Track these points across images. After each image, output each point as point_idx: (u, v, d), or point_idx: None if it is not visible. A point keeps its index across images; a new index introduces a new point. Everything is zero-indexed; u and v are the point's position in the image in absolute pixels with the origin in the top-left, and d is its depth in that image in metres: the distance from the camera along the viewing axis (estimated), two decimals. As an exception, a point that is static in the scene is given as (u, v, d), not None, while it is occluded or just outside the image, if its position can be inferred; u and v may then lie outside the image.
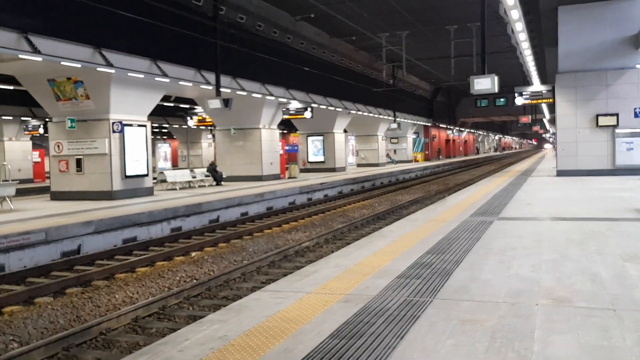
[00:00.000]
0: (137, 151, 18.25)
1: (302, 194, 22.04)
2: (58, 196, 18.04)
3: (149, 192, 18.94)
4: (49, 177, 20.88)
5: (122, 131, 17.48)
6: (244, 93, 22.43)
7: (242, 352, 3.99)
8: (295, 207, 19.70)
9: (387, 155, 49.26)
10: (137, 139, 18.26)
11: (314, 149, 35.28)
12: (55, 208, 15.26)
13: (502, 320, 4.47)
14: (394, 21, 28.27)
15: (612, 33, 20.94)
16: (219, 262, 11.01)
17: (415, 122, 50.32)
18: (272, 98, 24.93)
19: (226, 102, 20.47)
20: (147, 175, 18.78)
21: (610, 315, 4.50)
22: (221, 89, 20.34)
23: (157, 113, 25.64)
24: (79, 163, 17.71)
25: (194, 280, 9.48)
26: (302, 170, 33.63)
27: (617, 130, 20.80)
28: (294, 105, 27.35)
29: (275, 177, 27.04)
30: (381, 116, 39.98)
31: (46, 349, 6.09)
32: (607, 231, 8.58)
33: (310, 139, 35.18)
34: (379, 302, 5.10)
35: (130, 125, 17.96)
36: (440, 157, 59.70)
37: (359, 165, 43.36)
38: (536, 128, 63.11)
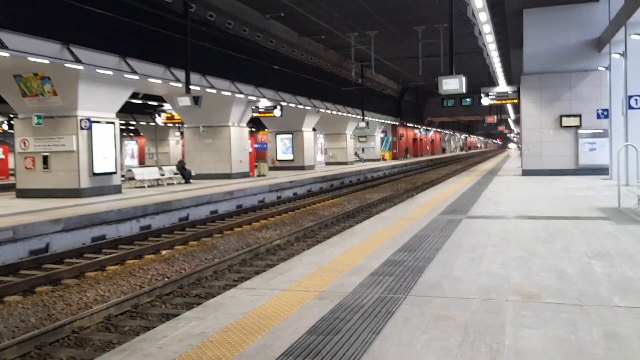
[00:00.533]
0: (105, 148, 18.00)
1: (271, 192, 22.05)
2: (24, 194, 17.67)
3: (117, 189, 18.71)
4: (13, 175, 20.43)
5: (90, 128, 17.23)
6: (214, 91, 22.32)
7: (221, 348, 4.02)
8: (265, 205, 19.71)
9: (356, 153, 49.59)
10: (105, 136, 18.01)
11: (283, 147, 35.29)
12: (21, 206, 14.96)
13: (474, 316, 4.60)
14: (363, 21, 28.48)
15: (576, 36, 21.51)
16: (190, 261, 10.97)
17: (383, 121, 50.75)
18: (242, 96, 24.87)
19: (196, 100, 20.35)
20: (115, 172, 18.54)
21: (578, 311, 4.68)
22: (191, 87, 20.21)
23: (125, 110, 25.25)
24: (45, 160, 17.39)
25: (166, 279, 9.44)
26: (271, 169, 33.61)
27: (580, 131, 21.39)
28: (264, 103, 27.32)
29: (245, 175, 26.98)
30: (350, 115, 40.20)
31: (18, 348, 6.01)
32: (573, 229, 8.86)
33: (279, 137, 35.19)
34: (354, 299, 5.19)
35: (99, 122, 17.71)
36: (408, 155, 60.27)
37: (327, 163, 43.52)
38: (501, 128, 64.17)
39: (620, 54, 16.89)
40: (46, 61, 14.60)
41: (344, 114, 39.17)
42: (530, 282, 5.62)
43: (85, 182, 17.35)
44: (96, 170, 17.65)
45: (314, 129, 37.72)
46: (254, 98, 26.30)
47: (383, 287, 5.59)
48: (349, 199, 22.59)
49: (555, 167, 21.73)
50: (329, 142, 44.02)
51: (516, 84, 24.06)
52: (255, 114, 27.68)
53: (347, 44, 32.19)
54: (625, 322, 4.35)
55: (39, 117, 16.90)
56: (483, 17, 17.00)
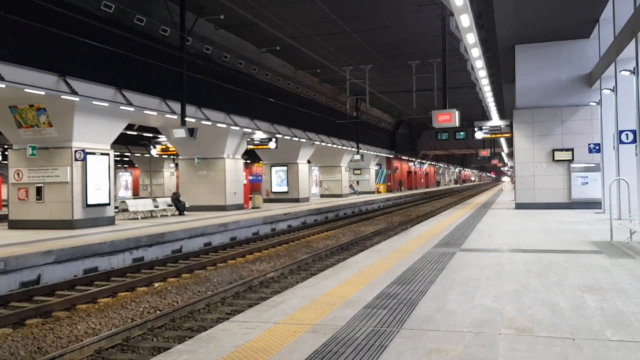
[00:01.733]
0: (99, 180, 18.01)
1: (265, 224, 22.01)
2: (16, 225, 17.57)
3: (111, 221, 18.64)
4: (6, 206, 20.34)
5: (84, 159, 17.25)
6: (209, 123, 22.46)
7: (212, 382, 3.99)
8: (259, 238, 19.65)
9: (350, 186, 49.67)
10: (99, 168, 18.03)
11: (277, 179, 35.35)
12: (13, 237, 14.87)
13: (467, 350, 4.59)
14: (357, 55, 28.90)
15: (567, 71, 21.90)
16: (183, 293, 10.89)
17: (377, 153, 51.03)
18: (237, 128, 25.02)
19: (191, 132, 20.49)
20: (109, 204, 18.51)
21: (570, 344, 4.67)
22: (186, 119, 20.34)
23: (119, 141, 25.40)
24: (39, 191, 17.36)
25: (158, 311, 9.36)
26: (265, 201, 33.62)
27: (572, 165, 21.58)
28: (259, 135, 27.48)
29: (239, 207, 26.95)
30: (344, 147, 40.43)
31: (6, 383, 5.93)
32: (566, 263, 8.87)
33: (274, 169, 35.28)
34: (347, 332, 5.17)
35: (93, 153, 17.76)
36: (402, 188, 60.38)
37: (322, 195, 43.57)
38: (495, 161, 64.69)
39: (610, 89, 17.16)
40: (42, 92, 14.70)
41: (339, 147, 39.41)
42: (523, 316, 5.61)
43: (78, 214, 17.30)
44: (90, 202, 17.62)
45: (308, 161, 37.87)
46: (249, 130, 26.47)
47: (376, 320, 5.57)
48: (344, 231, 22.57)
49: (549, 201, 21.85)
50: (324, 174, 44.16)
51: (509, 118, 24.36)
52: (250, 146, 27.81)
53: (342, 77, 32.60)
54: (617, 356, 4.35)
55: (33, 147, 16.94)
56: (475, 53, 17.31)
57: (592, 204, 20.95)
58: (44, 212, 17.34)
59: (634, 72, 13.65)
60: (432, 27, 23.40)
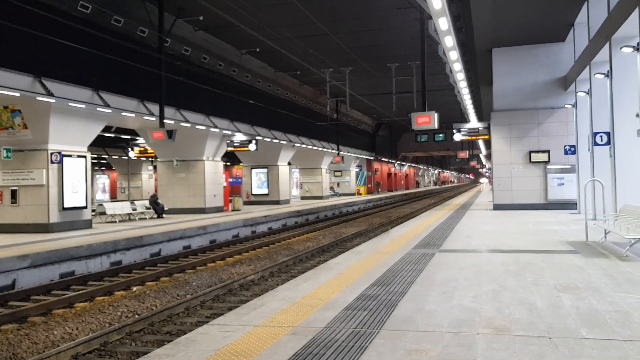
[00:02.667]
0: (76, 182, 17.78)
1: (246, 226, 21.93)
2: (-10, 229, 17.29)
3: (88, 224, 18.42)
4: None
5: (60, 162, 17.03)
6: (188, 125, 22.32)
7: (192, 386, 3.97)
8: (239, 240, 19.57)
9: (331, 188, 49.74)
10: (76, 170, 17.81)
11: (258, 182, 35.25)
12: (-13, 241, 14.61)
13: (447, 349, 4.63)
14: (337, 58, 28.96)
15: (543, 74, 22.21)
16: (162, 297, 10.80)
17: (358, 155, 51.19)
18: (217, 130, 24.90)
19: (170, 134, 20.34)
20: (85, 207, 18.29)
21: (546, 343, 4.74)
22: (165, 121, 20.19)
23: (96, 143, 25.09)
24: (13, 194, 17.09)
25: (136, 316, 9.27)
26: (245, 203, 33.48)
27: (548, 166, 21.88)
28: (239, 137, 27.39)
29: (219, 209, 26.82)
30: (325, 149, 40.48)
31: (-20, 389, 5.83)
32: (542, 263, 8.99)
33: (254, 171, 35.18)
34: (327, 334, 5.17)
35: (70, 155, 17.54)
36: (379, 190, 60.43)
37: (302, 197, 43.55)
38: (473, 163, 65.23)
39: (585, 92, 17.43)
40: (17, 94, 14.48)
41: (320, 149, 39.44)
42: (501, 315, 5.67)
43: (54, 217, 17.07)
44: (66, 205, 17.39)
45: (289, 163, 37.83)
46: (229, 132, 26.37)
47: (357, 321, 5.59)
48: (324, 233, 22.59)
49: (526, 202, 22.12)
50: (304, 176, 44.14)
51: (487, 121, 24.62)
52: (230, 148, 27.72)
53: (322, 79, 32.63)
54: (593, 353, 4.42)
55: (7, 150, 16.68)
56: (454, 56, 17.47)
57: (568, 205, 21.26)
58: (18, 216, 17.08)
59: (607, 76, 13.89)
60: (411, 30, 23.56)
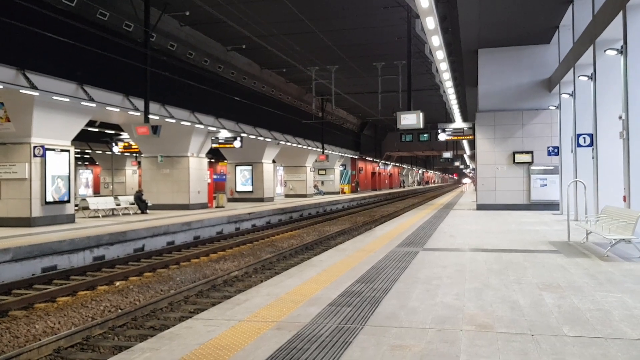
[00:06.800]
0: (59, 177, 17.59)
1: (230, 223, 21.87)
2: (-29, 222, 17.06)
3: (71, 219, 18.25)
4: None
5: (43, 155, 16.85)
6: (173, 120, 22.19)
7: (175, 379, 3.95)
8: (223, 237, 19.50)
9: (315, 186, 49.74)
10: (59, 164, 17.62)
11: (242, 179, 35.15)
12: (-33, 235, 14.42)
13: (430, 345, 4.66)
14: (324, 56, 28.96)
15: (528, 76, 22.42)
16: (145, 292, 10.74)
17: (342, 154, 51.23)
18: (201, 126, 24.79)
19: (155, 129, 20.21)
20: (68, 201, 18.11)
21: (529, 340, 4.79)
22: (150, 116, 20.05)
23: (80, 138, 24.83)
24: (-5, 188, 16.87)
25: (119, 310, 9.20)
26: (230, 200, 33.39)
27: (532, 167, 22.09)
28: (224, 134, 27.28)
29: (203, 206, 26.71)
30: (310, 148, 40.47)
31: (-41, 383, 5.76)
32: (525, 262, 9.08)
33: (238, 168, 35.07)
34: (311, 329, 5.18)
35: (53, 149, 17.36)
36: (358, 189, 60.02)
37: (287, 195, 43.51)
38: (457, 163, 65.61)
39: (569, 94, 17.62)
40: (0, 86, 14.29)
41: (304, 147, 39.42)
42: (484, 313, 5.73)
43: (37, 211, 16.89)
44: (49, 199, 17.22)
45: (273, 161, 37.77)
46: (214, 129, 26.26)
47: (341, 317, 5.61)
48: (308, 231, 22.59)
49: (509, 202, 22.32)
50: (289, 174, 44.11)
51: (472, 121, 24.79)
52: (214, 145, 27.60)
53: (308, 77, 32.62)
54: (574, 350, 4.48)
55: (-10, 143, 16.47)
56: (440, 55, 17.55)
57: (551, 206, 21.49)
58: (1, 210, 16.86)
59: (591, 78, 14.05)
60: (398, 29, 23.63)
